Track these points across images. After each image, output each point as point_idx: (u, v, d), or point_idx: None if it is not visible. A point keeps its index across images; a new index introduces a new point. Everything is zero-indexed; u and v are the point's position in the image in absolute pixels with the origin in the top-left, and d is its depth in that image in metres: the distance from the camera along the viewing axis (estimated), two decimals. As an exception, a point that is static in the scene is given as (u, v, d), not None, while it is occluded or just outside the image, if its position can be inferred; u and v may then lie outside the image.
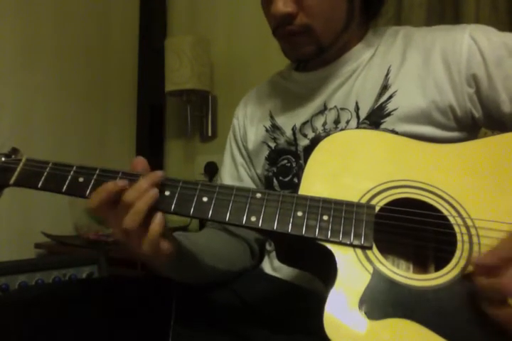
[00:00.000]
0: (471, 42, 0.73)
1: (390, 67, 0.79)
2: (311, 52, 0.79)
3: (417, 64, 0.77)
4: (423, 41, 0.78)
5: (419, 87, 0.75)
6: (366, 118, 0.78)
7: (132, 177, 0.64)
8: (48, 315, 0.69)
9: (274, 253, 0.90)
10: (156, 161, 2.07)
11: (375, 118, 0.77)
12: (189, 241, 0.75)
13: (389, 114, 0.76)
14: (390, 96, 0.77)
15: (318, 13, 0.74)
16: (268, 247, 0.94)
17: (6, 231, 1.57)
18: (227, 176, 0.96)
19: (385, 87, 0.78)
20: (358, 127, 0.78)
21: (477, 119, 0.75)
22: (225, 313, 0.80)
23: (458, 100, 0.74)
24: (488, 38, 0.73)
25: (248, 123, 0.94)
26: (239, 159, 0.96)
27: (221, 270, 0.82)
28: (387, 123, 0.76)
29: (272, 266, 0.90)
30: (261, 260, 0.94)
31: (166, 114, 2.09)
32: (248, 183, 0.94)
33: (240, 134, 0.96)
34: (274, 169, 0.87)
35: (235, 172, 0.95)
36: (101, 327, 0.71)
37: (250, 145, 0.93)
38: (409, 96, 0.75)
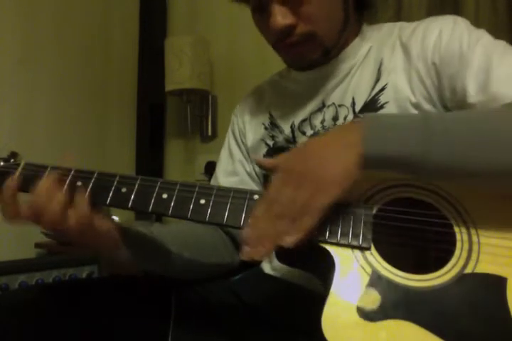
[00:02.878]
0: (437, 37, 0.74)
1: (382, 60, 0.79)
2: (317, 57, 0.79)
3: (401, 58, 0.77)
4: (408, 36, 0.78)
5: (406, 80, 0.76)
6: (360, 111, 0.79)
7: (130, 181, 0.65)
8: (48, 315, 0.69)
9: (273, 253, 0.90)
10: (156, 161, 2.07)
11: (369, 111, 0.77)
12: (148, 230, 0.75)
13: (382, 107, 0.77)
14: (382, 89, 0.77)
15: (318, 19, 0.74)
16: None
17: (6, 230, 1.56)
18: (221, 172, 0.96)
19: (377, 80, 0.78)
20: (352, 121, 0.78)
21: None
22: (225, 313, 0.80)
23: (437, 91, 0.74)
24: (451, 34, 0.73)
25: (247, 121, 0.94)
26: (237, 155, 0.95)
27: (190, 260, 0.80)
28: None
29: (272, 266, 0.90)
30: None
31: (166, 114, 2.09)
32: (245, 178, 0.93)
33: (238, 130, 0.96)
34: (273, 167, 0.87)
35: (230, 168, 0.95)
36: (101, 327, 0.71)
37: (249, 141, 0.93)
38: (398, 90, 0.76)
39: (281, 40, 0.76)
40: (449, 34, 0.73)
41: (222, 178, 0.94)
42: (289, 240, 0.55)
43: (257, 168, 0.92)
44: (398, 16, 1.53)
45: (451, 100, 0.72)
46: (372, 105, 0.77)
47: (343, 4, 0.77)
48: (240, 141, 0.95)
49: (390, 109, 0.76)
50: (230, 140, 0.98)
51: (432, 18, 0.79)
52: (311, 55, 0.79)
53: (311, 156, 0.58)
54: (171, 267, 0.79)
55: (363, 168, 0.56)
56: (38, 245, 1.63)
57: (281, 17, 0.73)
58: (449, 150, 0.55)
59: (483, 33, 0.73)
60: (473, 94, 0.69)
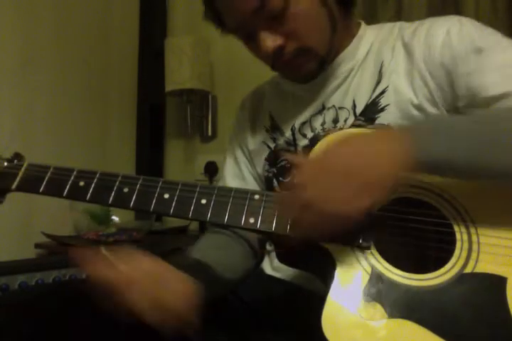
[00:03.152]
0: (445, 37, 0.73)
1: (382, 62, 0.79)
2: (314, 68, 0.79)
3: (403, 59, 0.77)
4: (410, 36, 0.78)
5: (408, 81, 0.75)
6: (361, 114, 0.79)
7: (132, 181, 0.65)
8: (48, 315, 0.69)
9: (274, 253, 0.90)
10: (156, 161, 2.07)
11: (370, 114, 0.77)
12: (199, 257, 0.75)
13: (382, 110, 0.76)
14: (383, 92, 0.77)
15: (304, 33, 0.74)
16: (268, 247, 0.94)
17: (6, 231, 1.56)
18: (230, 176, 0.96)
19: (378, 83, 0.78)
20: (353, 124, 0.78)
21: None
22: (225, 313, 0.80)
23: (441, 92, 0.74)
24: (460, 33, 0.73)
25: (249, 123, 0.94)
26: (241, 158, 0.95)
27: (229, 279, 0.79)
28: (381, 118, 0.76)
29: (272, 266, 0.90)
30: (261, 259, 0.94)
31: (166, 114, 2.09)
32: (251, 182, 0.94)
33: (241, 133, 0.96)
34: (274, 170, 0.87)
35: (238, 172, 0.95)
36: (101, 327, 0.71)
37: (251, 146, 0.93)
38: (399, 92, 0.76)
39: (276, 61, 0.77)
40: (457, 33, 0.73)
41: (232, 182, 0.94)
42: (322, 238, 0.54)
43: (260, 171, 0.92)
44: (399, 16, 1.54)
45: (466, 97, 0.72)
46: (373, 108, 0.77)
47: (325, 9, 0.76)
48: (242, 144, 0.95)
49: (391, 111, 0.76)
50: (233, 143, 0.98)
51: (433, 18, 0.79)
52: (309, 67, 0.79)
53: (356, 155, 0.57)
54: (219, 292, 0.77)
55: (409, 171, 0.56)
56: (38, 245, 1.63)
57: (269, 41, 0.73)
58: (499, 154, 0.56)
59: (491, 29, 0.74)
60: (494, 86, 0.68)
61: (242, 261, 0.86)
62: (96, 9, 1.93)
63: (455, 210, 0.60)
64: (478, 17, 1.40)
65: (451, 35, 0.73)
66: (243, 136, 0.95)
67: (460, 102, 0.72)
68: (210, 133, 1.97)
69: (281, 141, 0.87)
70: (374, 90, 0.78)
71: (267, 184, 0.89)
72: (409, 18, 1.48)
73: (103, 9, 1.97)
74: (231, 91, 1.90)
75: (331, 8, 0.77)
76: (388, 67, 0.78)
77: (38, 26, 1.71)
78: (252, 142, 0.93)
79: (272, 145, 0.89)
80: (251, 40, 0.78)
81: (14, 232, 1.59)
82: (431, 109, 0.74)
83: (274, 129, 0.89)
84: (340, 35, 0.81)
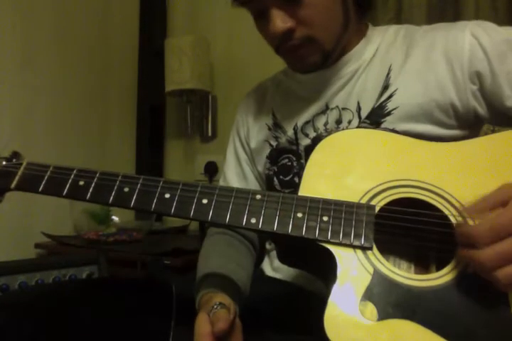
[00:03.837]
0: (472, 40, 0.73)
1: (390, 66, 0.79)
2: (317, 61, 0.79)
3: (418, 63, 0.77)
4: (424, 40, 0.78)
5: (420, 85, 0.75)
6: (367, 117, 0.78)
7: (132, 180, 0.65)
8: (48, 315, 0.69)
9: (273, 253, 0.90)
10: (156, 161, 2.07)
11: (376, 118, 0.77)
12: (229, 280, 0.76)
13: (389, 113, 0.76)
14: (391, 95, 0.77)
15: (316, 22, 0.74)
16: (268, 246, 0.94)
17: (6, 231, 1.56)
18: (231, 173, 0.96)
19: (385, 87, 0.78)
20: (358, 127, 0.78)
21: (482, 116, 0.75)
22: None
23: (460, 98, 0.74)
24: (489, 35, 0.73)
25: (251, 120, 0.94)
26: (243, 156, 0.95)
27: (247, 288, 0.80)
28: (388, 122, 0.76)
29: (272, 266, 0.90)
30: (261, 258, 0.94)
31: (166, 114, 2.09)
32: (252, 180, 0.94)
33: (243, 131, 0.96)
34: (275, 168, 0.87)
35: (239, 169, 0.95)
36: (101, 328, 0.71)
37: (253, 143, 0.93)
38: (409, 95, 0.75)
39: (282, 44, 0.77)
40: (484, 34, 0.73)
41: (236, 183, 0.94)
42: None
43: (260, 169, 0.91)
44: (399, 18, 1.54)
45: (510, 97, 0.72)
46: (379, 111, 0.77)
47: (342, 7, 0.76)
48: (244, 141, 0.95)
49: (397, 115, 0.75)
50: (235, 140, 0.98)
51: (445, 24, 0.79)
52: (311, 58, 0.78)
53: None
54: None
55: None
56: (38, 245, 1.63)
57: (280, 21, 0.73)
58: None
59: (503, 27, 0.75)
60: None
61: (252, 267, 0.86)
62: (96, 9, 1.93)
63: (456, 210, 0.60)
64: (478, 17, 1.40)
65: (479, 37, 0.72)
66: (245, 133, 0.95)
67: (508, 102, 0.72)
68: (210, 133, 1.98)
69: (283, 140, 0.87)
70: (382, 94, 0.78)
71: (268, 182, 0.89)
72: (410, 19, 1.49)
73: (103, 9, 1.97)
74: (231, 91, 1.90)
75: (349, 7, 0.78)
76: (397, 71, 0.78)
77: (38, 26, 1.71)
78: (254, 139, 0.92)
79: (274, 144, 0.88)
80: (261, 17, 0.77)
81: (14, 232, 1.59)
82: (439, 115, 0.74)
83: (276, 127, 0.89)
84: (350, 35, 0.81)
